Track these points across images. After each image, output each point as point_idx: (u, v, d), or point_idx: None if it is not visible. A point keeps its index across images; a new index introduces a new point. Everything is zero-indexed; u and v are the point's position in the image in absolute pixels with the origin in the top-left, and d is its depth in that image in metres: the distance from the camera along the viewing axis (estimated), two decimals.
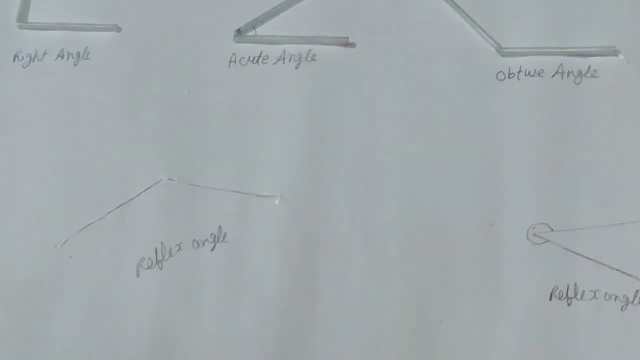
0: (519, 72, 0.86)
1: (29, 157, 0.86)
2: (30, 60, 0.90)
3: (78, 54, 0.90)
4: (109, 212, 0.83)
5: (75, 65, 0.90)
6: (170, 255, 0.81)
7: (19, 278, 0.81)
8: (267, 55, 0.88)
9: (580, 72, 0.86)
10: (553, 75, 0.86)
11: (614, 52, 0.86)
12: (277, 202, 0.83)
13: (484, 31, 0.87)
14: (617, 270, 0.78)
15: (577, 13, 0.87)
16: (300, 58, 0.87)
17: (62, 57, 0.90)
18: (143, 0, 0.90)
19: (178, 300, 0.80)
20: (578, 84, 0.85)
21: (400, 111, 0.85)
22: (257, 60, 0.88)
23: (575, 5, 0.87)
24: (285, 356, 0.78)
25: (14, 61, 0.90)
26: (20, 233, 0.83)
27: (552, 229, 0.80)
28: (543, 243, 0.80)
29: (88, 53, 0.90)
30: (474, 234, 0.81)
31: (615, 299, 0.77)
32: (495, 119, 0.84)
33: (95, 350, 0.79)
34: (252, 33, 0.89)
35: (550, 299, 0.78)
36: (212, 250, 0.82)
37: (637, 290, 0.78)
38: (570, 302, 0.78)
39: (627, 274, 0.78)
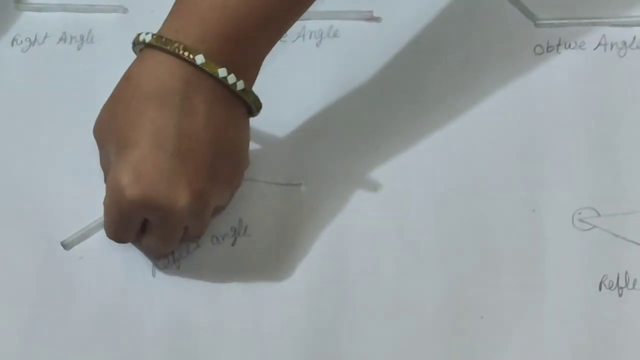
0: (558, 45, 0.85)
1: (31, 149, 0.84)
2: (30, 45, 0.89)
3: (81, 37, 0.89)
4: None
5: (78, 49, 0.89)
6: (188, 252, 0.79)
7: (27, 280, 0.79)
8: (285, 33, 0.84)
9: (624, 44, 0.85)
10: (595, 48, 0.85)
11: None
12: (302, 190, 0.81)
13: (519, 2, 0.86)
14: None
15: None
16: (321, 35, 0.86)
17: (65, 40, 0.89)
18: None
19: (197, 301, 0.78)
20: (622, 56, 0.85)
21: (429, 90, 0.83)
22: None
23: None
24: (312, 356, 0.76)
25: (12, 45, 0.89)
26: (26, 232, 0.81)
27: (599, 214, 0.78)
28: (590, 229, 0.78)
29: (92, 36, 0.89)
30: (515, 220, 0.79)
31: None
32: (534, 96, 0.84)
33: (109, 355, 0.77)
34: None
35: (600, 289, 0.76)
36: (232, 245, 0.79)
37: None
38: (622, 292, 0.76)
39: None
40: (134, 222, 0.74)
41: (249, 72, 0.74)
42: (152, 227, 0.74)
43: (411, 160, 0.81)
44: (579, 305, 0.75)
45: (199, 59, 0.70)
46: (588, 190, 0.79)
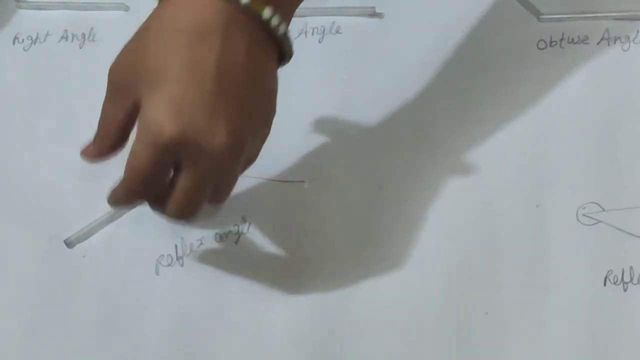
0: (561, 39, 0.85)
1: (33, 147, 0.84)
2: (31, 43, 0.88)
3: (83, 35, 0.89)
4: None
5: (80, 47, 0.88)
6: (192, 250, 0.79)
7: (31, 279, 0.79)
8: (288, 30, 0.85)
9: (628, 38, 0.84)
10: (598, 42, 0.84)
11: None
12: (305, 187, 0.81)
13: None
14: None
15: None
16: (323, 31, 0.85)
17: (66, 38, 0.88)
18: None
19: (201, 299, 0.78)
20: (626, 50, 0.84)
21: (432, 86, 0.83)
22: None
23: None
24: (317, 354, 0.76)
25: (13, 44, 0.89)
26: (29, 230, 0.81)
27: (603, 209, 0.78)
28: (594, 224, 0.78)
29: (94, 34, 0.89)
30: (519, 216, 0.78)
31: None
32: (537, 91, 0.83)
33: (113, 355, 0.77)
34: None
35: (605, 285, 0.76)
36: (236, 243, 0.79)
37: None
38: (627, 287, 0.75)
39: None
40: (167, 165, 0.68)
41: (289, 15, 0.71)
42: (182, 176, 0.68)
43: (414, 157, 0.80)
44: (584, 301, 0.75)
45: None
46: (592, 185, 0.78)
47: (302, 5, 0.81)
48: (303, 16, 0.85)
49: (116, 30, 0.85)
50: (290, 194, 0.80)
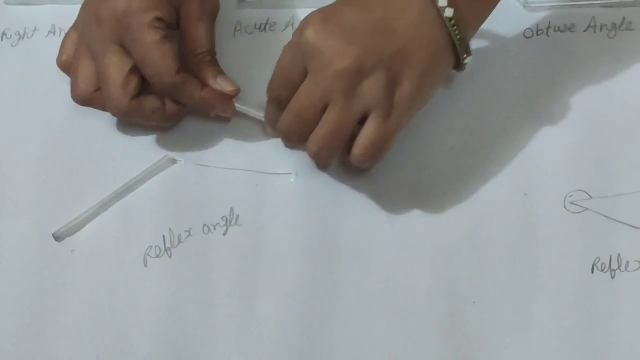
0: (548, 28, 0.84)
1: (23, 142, 0.83)
2: (19, 39, 0.88)
3: None
4: (112, 198, 0.80)
5: None
6: (180, 242, 0.79)
7: (19, 274, 0.79)
8: (274, 22, 0.86)
9: (614, 25, 0.83)
10: (585, 30, 0.84)
11: None
12: (292, 180, 0.80)
13: None
14: None
15: None
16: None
17: (54, 33, 0.88)
18: None
19: (189, 290, 0.78)
20: (612, 38, 0.83)
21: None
22: (265, 28, 0.86)
23: None
24: (305, 346, 0.76)
25: (2, 40, 0.88)
26: (19, 224, 0.81)
27: (590, 196, 0.78)
28: (582, 212, 0.77)
29: None
30: (507, 204, 0.78)
31: None
32: (524, 79, 0.82)
33: (103, 348, 0.77)
34: None
35: (592, 272, 0.76)
36: (224, 234, 0.79)
37: None
38: (614, 274, 0.76)
39: None
40: (298, 64, 0.72)
41: (473, 13, 0.73)
42: (304, 85, 0.72)
43: (402, 147, 0.79)
44: (572, 288, 0.75)
45: None
46: (579, 173, 0.78)
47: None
48: (290, 8, 0.85)
49: None
50: (279, 186, 0.80)
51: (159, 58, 0.75)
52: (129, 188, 0.80)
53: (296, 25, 0.84)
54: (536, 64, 0.82)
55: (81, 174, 0.81)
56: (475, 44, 0.81)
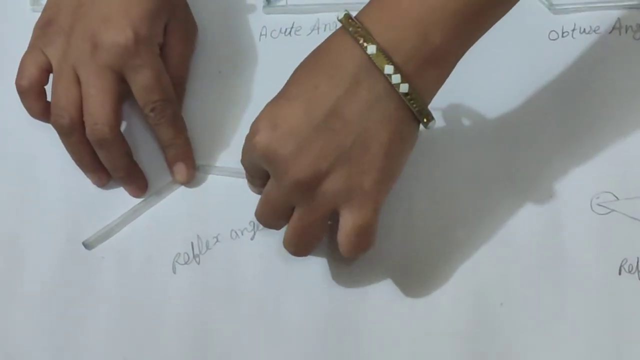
0: (573, 30, 0.84)
1: (54, 150, 0.82)
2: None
3: None
4: (141, 205, 0.81)
5: None
6: (208, 248, 0.79)
7: (50, 280, 0.79)
8: (300, 26, 0.87)
9: (639, 27, 0.83)
10: (610, 32, 0.83)
11: None
12: None
13: None
14: None
15: None
16: (336, 27, 0.82)
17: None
18: None
19: (217, 296, 0.78)
20: (638, 39, 0.83)
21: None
22: (290, 32, 0.87)
23: None
24: (333, 350, 0.76)
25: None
26: (49, 231, 0.81)
27: (617, 198, 0.77)
28: (608, 213, 0.77)
29: None
30: (534, 206, 0.78)
31: None
32: (550, 81, 0.82)
33: (131, 353, 0.77)
34: (282, 2, 0.88)
35: (620, 274, 0.75)
36: (251, 239, 0.79)
37: None
38: None
39: None
40: (257, 170, 0.72)
41: (428, 80, 0.69)
42: (268, 186, 0.72)
43: (423, 147, 0.78)
44: (599, 290, 0.75)
45: (371, 49, 0.67)
46: (606, 175, 0.78)
47: (313, 1, 0.81)
48: (315, 12, 0.85)
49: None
50: None
51: (169, 84, 0.78)
52: (157, 196, 0.81)
53: (321, 30, 0.85)
54: (561, 66, 0.82)
55: (111, 181, 0.82)
56: (499, 46, 0.82)
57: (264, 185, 0.73)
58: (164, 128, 0.80)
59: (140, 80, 0.77)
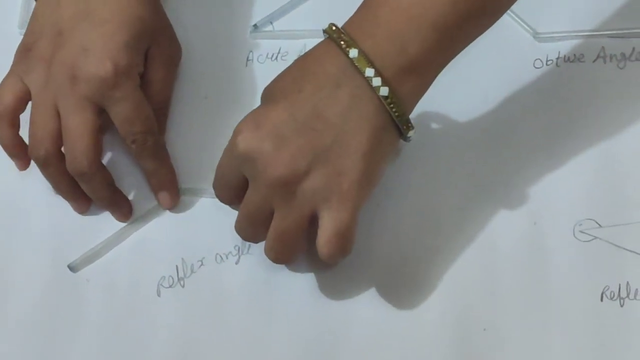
0: (558, 58, 0.84)
1: (35, 171, 0.81)
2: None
3: None
4: (126, 229, 0.81)
5: None
6: (192, 271, 0.79)
7: (35, 303, 0.79)
8: (286, 52, 0.87)
9: (623, 56, 0.83)
10: (594, 60, 0.83)
11: None
12: None
13: (517, 16, 0.85)
14: None
15: None
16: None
17: None
18: None
19: (202, 319, 0.78)
20: (622, 68, 0.83)
21: (431, 102, 0.79)
22: (276, 57, 0.87)
23: None
24: None
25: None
26: (34, 254, 0.81)
27: (600, 225, 0.78)
28: (591, 240, 0.77)
29: None
30: (517, 233, 0.78)
31: None
32: (534, 109, 0.82)
33: None
34: (269, 28, 0.88)
35: (602, 300, 0.76)
36: (236, 263, 0.79)
37: None
38: (623, 302, 0.75)
39: None
40: (234, 176, 0.72)
41: (408, 88, 0.70)
42: (248, 192, 0.72)
43: (405, 172, 0.80)
44: (581, 316, 0.75)
45: (352, 53, 0.68)
46: (588, 202, 0.78)
47: (300, 27, 0.82)
48: (302, 38, 0.85)
49: None
50: None
51: (150, 114, 0.78)
52: (143, 219, 0.81)
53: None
54: (545, 94, 0.82)
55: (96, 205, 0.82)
56: (484, 74, 0.82)
57: (235, 196, 0.73)
58: (146, 159, 0.80)
59: (121, 113, 0.77)
